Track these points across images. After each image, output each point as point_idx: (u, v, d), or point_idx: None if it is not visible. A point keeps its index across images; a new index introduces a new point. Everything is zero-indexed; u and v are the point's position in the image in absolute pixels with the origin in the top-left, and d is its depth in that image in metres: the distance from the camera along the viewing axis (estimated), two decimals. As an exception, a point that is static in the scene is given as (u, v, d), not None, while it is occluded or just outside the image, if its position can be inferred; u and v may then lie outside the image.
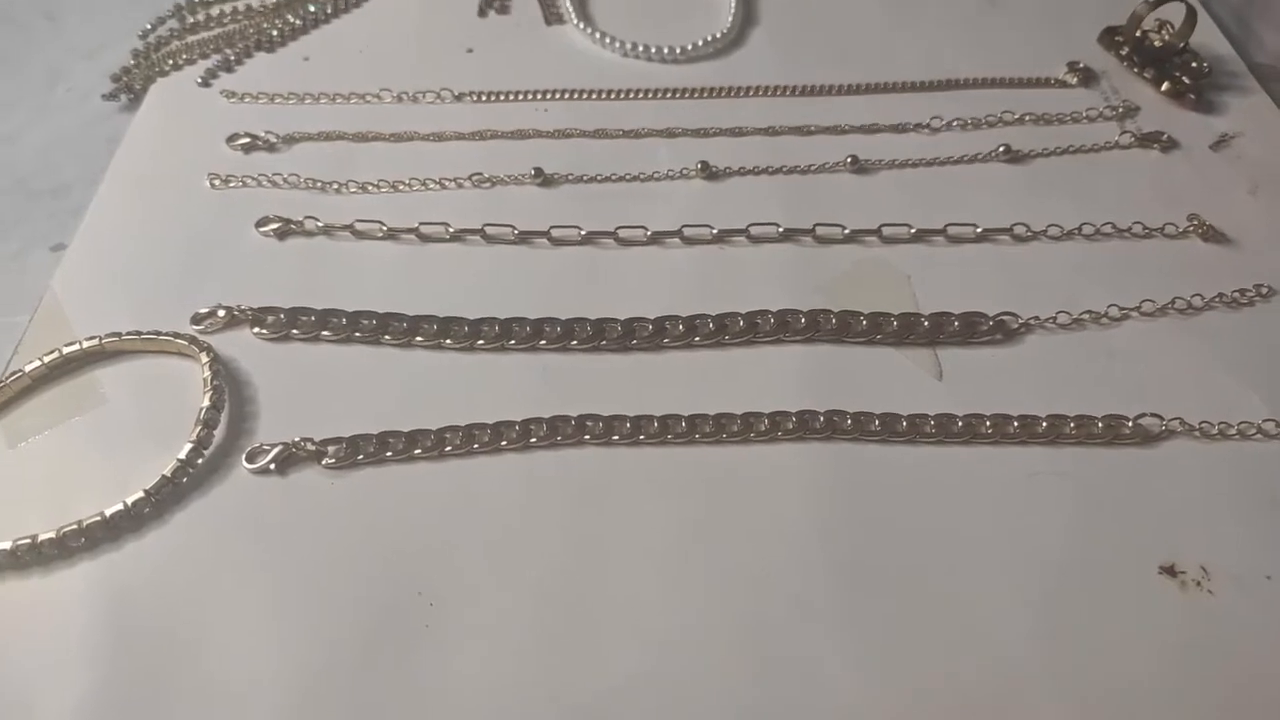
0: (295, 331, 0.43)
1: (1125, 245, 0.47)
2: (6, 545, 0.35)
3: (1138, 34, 0.55)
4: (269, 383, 0.42)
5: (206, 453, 0.39)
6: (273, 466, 0.38)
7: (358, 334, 0.43)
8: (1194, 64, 0.55)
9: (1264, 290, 0.45)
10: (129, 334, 0.42)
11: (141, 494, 0.37)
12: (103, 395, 0.41)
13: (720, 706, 0.33)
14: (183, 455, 0.38)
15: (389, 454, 0.39)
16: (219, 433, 0.39)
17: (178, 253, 0.46)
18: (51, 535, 0.36)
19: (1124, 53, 0.56)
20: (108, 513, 0.36)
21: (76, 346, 0.42)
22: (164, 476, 0.37)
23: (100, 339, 0.42)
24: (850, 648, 0.34)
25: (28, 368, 0.41)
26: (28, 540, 0.36)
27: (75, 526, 0.36)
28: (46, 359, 0.41)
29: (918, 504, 0.38)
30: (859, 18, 0.60)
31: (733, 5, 0.59)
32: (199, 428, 0.39)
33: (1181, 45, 0.55)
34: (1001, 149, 0.50)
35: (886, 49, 0.57)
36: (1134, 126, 0.52)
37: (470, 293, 0.45)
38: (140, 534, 0.37)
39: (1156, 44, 0.55)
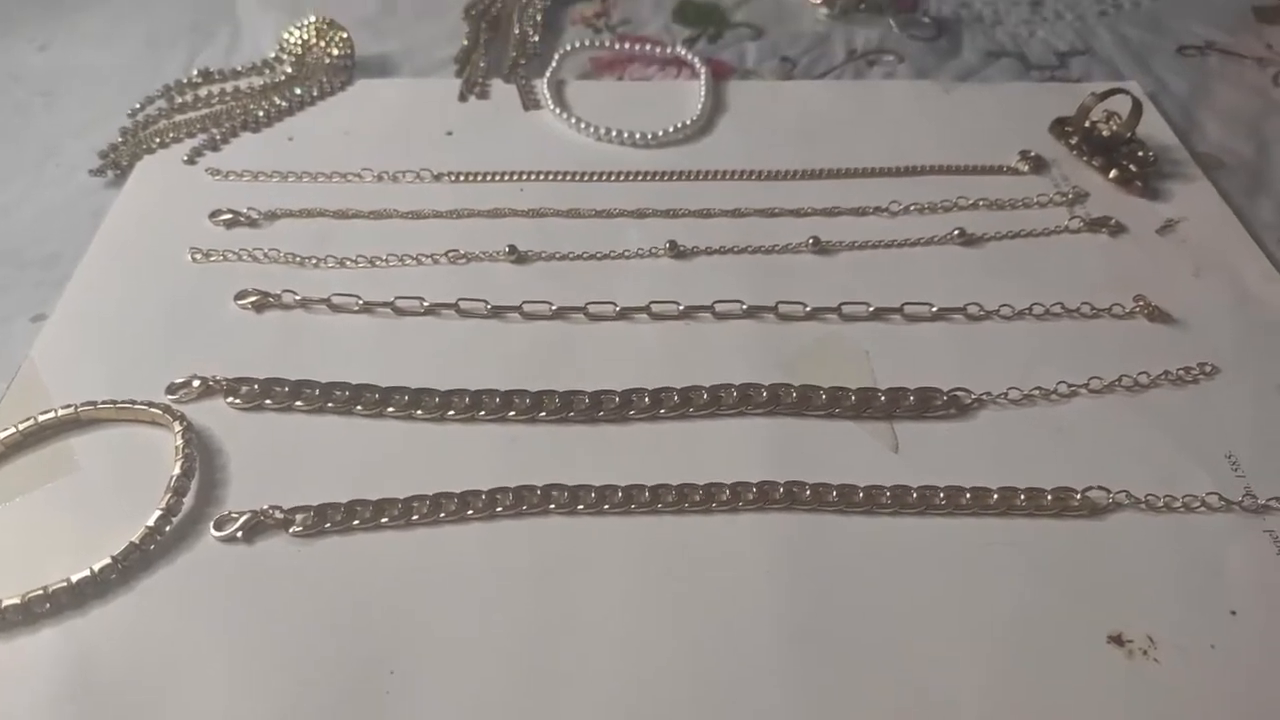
0: (268, 402, 0.44)
1: (1074, 325, 0.49)
2: None
3: (1086, 124, 0.58)
4: (241, 452, 0.42)
5: (175, 520, 0.39)
6: (240, 534, 0.39)
7: (330, 404, 0.44)
8: (1140, 153, 0.57)
9: (1208, 368, 0.46)
10: (104, 403, 0.43)
11: (109, 560, 0.37)
12: (76, 463, 0.42)
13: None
14: (151, 522, 0.38)
15: (356, 523, 0.40)
16: (189, 500, 0.40)
17: (156, 324, 0.47)
18: (16, 601, 0.36)
19: (1073, 142, 0.59)
20: (74, 579, 0.37)
21: (52, 414, 0.42)
22: (132, 543, 0.38)
23: (75, 407, 0.43)
24: (802, 709, 0.35)
25: (2, 434, 0.42)
26: (-9, 605, 0.36)
27: (41, 592, 0.36)
28: (21, 426, 0.42)
29: (874, 573, 0.39)
30: (823, 108, 0.62)
31: (702, 94, 0.62)
32: (169, 495, 0.39)
33: (1128, 135, 0.57)
34: (956, 232, 0.53)
35: (848, 137, 0.60)
36: (1083, 212, 0.55)
37: (443, 365, 0.46)
38: (105, 600, 0.37)
39: (1105, 134, 0.58)
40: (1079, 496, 0.41)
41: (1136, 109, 0.56)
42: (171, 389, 0.44)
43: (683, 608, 0.38)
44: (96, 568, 0.37)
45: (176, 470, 0.40)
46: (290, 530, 0.39)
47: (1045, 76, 0.67)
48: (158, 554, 0.38)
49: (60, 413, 0.43)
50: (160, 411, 0.42)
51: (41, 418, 0.42)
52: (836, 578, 0.39)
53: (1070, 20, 0.72)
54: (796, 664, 0.36)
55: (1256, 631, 0.37)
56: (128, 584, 0.38)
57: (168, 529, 0.39)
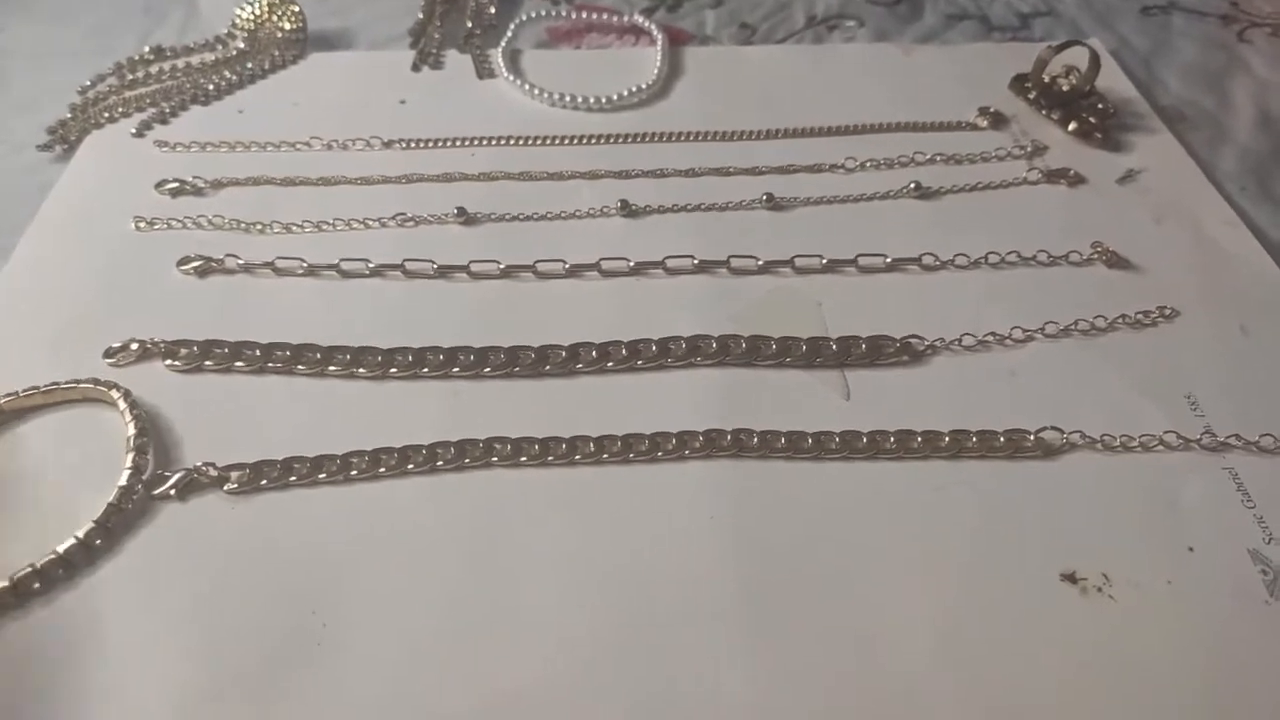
0: (208, 363, 0.43)
1: (1031, 273, 0.48)
2: None
3: (1046, 79, 0.57)
4: (182, 415, 0.41)
5: (144, 477, 0.38)
6: (173, 492, 0.38)
7: (271, 365, 0.43)
8: (1100, 105, 0.57)
9: (1167, 311, 0.46)
10: (26, 390, 0.41)
11: (92, 525, 0.36)
12: (6, 460, 0.40)
13: (618, 711, 0.33)
14: (124, 481, 0.38)
15: (293, 479, 0.39)
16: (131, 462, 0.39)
17: (98, 293, 0.47)
18: (6, 584, 0.35)
19: (1032, 97, 0.58)
20: (61, 549, 0.36)
21: None
22: (110, 504, 0.37)
23: None
24: (756, 657, 0.34)
25: None
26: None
27: (29, 570, 0.35)
28: None
29: (824, 518, 0.38)
30: (781, 71, 0.62)
31: (659, 59, 0.61)
32: (132, 453, 0.38)
33: (1088, 89, 0.57)
34: (912, 185, 0.52)
35: (806, 100, 0.59)
36: (1042, 164, 0.54)
37: (389, 327, 0.45)
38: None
39: (1064, 88, 0.57)
40: (1032, 437, 0.40)
41: (1094, 61, 0.56)
42: (109, 353, 0.43)
43: (628, 556, 0.37)
44: (81, 534, 0.36)
45: (131, 429, 0.39)
46: (225, 488, 0.38)
47: (1007, 38, 0.66)
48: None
49: None
50: (91, 385, 0.41)
51: None
52: (786, 524, 0.38)
53: (1033, -18, 0.71)
54: (745, 610, 0.35)
55: (1214, 567, 0.36)
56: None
57: (139, 487, 0.38)
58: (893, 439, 0.40)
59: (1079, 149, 0.55)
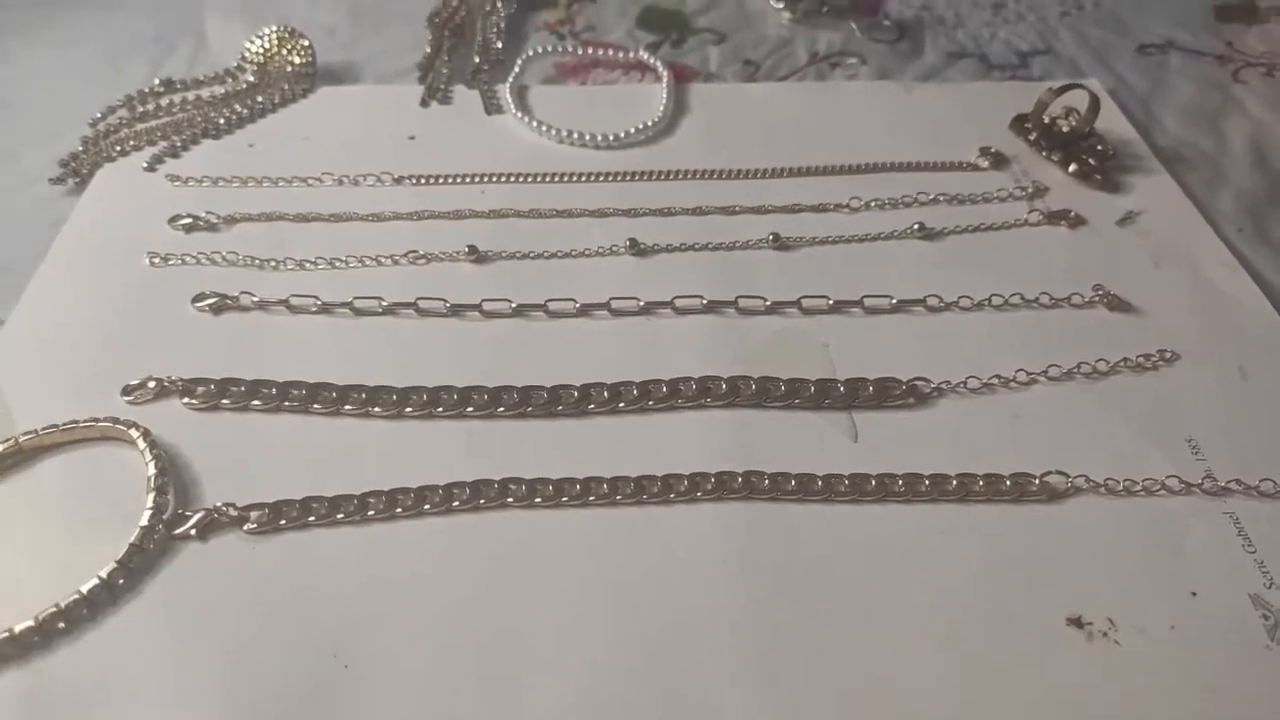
0: (225, 401, 0.43)
1: (1033, 315, 0.49)
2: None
3: (1046, 120, 0.59)
4: (199, 453, 0.42)
5: (165, 516, 0.39)
6: (194, 532, 0.38)
7: (287, 403, 0.43)
8: (1100, 147, 0.58)
9: (1168, 355, 0.47)
10: (45, 429, 0.41)
11: (115, 565, 0.37)
12: (25, 499, 0.40)
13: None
14: (145, 521, 0.38)
15: (311, 519, 0.39)
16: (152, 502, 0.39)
17: (114, 328, 0.47)
18: (31, 624, 0.35)
19: (1033, 138, 0.59)
20: (84, 589, 0.36)
21: None
22: (132, 544, 0.37)
23: (17, 439, 0.41)
24: (761, 696, 0.34)
25: None
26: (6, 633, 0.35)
27: (55, 609, 0.36)
28: None
29: (832, 560, 0.39)
30: (785, 108, 0.63)
31: (664, 96, 0.62)
32: (153, 493, 0.39)
33: (1087, 130, 0.58)
34: (916, 226, 0.53)
35: (809, 137, 0.60)
36: (1043, 205, 0.55)
37: (402, 365, 0.45)
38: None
39: (1064, 129, 0.58)
40: (1038, 481, 0.41)
41: (1094, 104, 0.57)
42: (127, 390, 0.44)
43: (640, 598, 0.37)
44: (104, 573, 0.36)
45: (152, 469, 0.39)
46: (245, 528, 0.39)
47: (1006, 76, 0.67)
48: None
49: (0, 447, 0.41)
50: (110, 424, 0.42)
51: None
52: (795, 565, 0.38)
53: (1032, 21, 0.72)
54: (755, 651, 0.36)
55: (1217, 612, 0.37)
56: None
57: (160, 526, 0.38)
58: (901, 482, 0.41)
59: (1079, 190, 0.56)
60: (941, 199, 0.55)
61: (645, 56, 0.66)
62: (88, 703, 0.34)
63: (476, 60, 0.66)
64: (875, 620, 0.37)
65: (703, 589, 0.38)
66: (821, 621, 0.37)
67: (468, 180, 0.56)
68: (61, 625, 0.36)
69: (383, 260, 0.51)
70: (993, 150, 0.59)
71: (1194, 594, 0.38)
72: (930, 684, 0.35)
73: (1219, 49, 0.70)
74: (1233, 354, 0.47)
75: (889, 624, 0.37)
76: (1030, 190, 0.56)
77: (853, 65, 0.68)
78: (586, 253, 0.52)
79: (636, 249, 0.52)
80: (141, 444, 0.40)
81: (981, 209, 0.55)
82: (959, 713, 0.34)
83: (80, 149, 0.58)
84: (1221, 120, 0.63)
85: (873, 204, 0.55)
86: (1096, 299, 0.49)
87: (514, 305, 0.48)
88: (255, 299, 0.48)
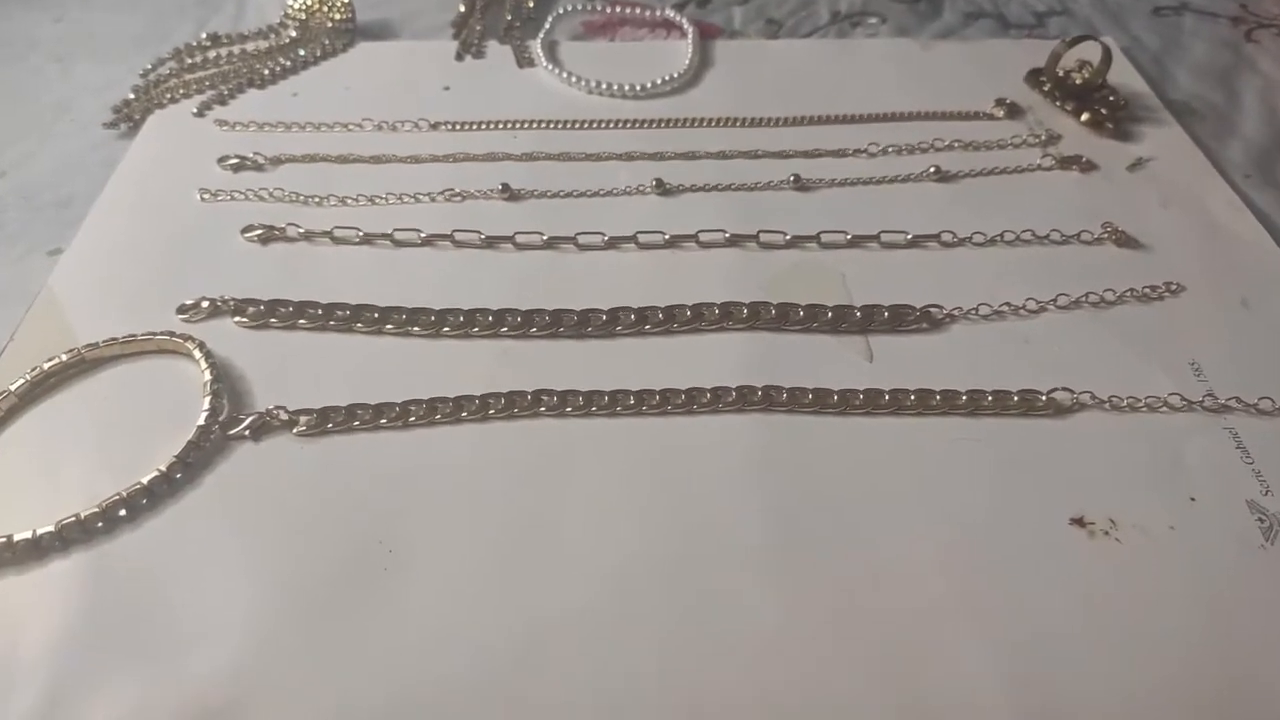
0: (274, 320, 0.46)
1: (1044, 250, 0.51)
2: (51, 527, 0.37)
3: (1060, 73, 0.60)
4: (249, 366, 0.44)
5: (221, 418, 0.41)
6: (248, 433, 0.41)
7: (332, 323, 0.46)
8: (1112, 98, 0.60)
9: (1173, 286, 0.48)
10: (106, 341, 0.44)
11: (174, 458, 0.39)
12: (88, 404, 0.43)
13: (652, 633, 0.35)
14: (202, 421, 0.41)
15: (356, 423, 0.42)
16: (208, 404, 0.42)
17: (167, 256, 0.50)
18: (96, 509, 0.38)
19: (1047, 89, 0.61)
20: (145, 480, 0.39)
21: (57, 360, 0.43)
22: (190, 442, 0.40)
23: (80, 350, 0.43)
24: (778, 587, 0.37)
25: (13, 386, 0.42)
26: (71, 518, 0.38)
27: (117, 498, 0.38)
28: (29, 375, 0.42)
29: (847, 467, 0.41)
30: (806, 63, 0.65)
31: (690, 51, 0.64)
32: (209, 396, 0.41)
33: (1100, 82, 0.60)
34: (932, 169, 0.55)
35: (830, 90, 0.62)
36: (1055, 151, 0.57)
37: (440, 291, 0.48)
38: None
39: (1077, 81, 0.60)
40: (1044, 397, 0.43)
41: (1106, 56, 0.59)
42: (182, 309, 0.46)
43: (662, 496, 0.39)
44: (164, 466, 0.39)
45: (208, 375, 0.42)
46: (294, 430, 0.41)
47: (1023, 35, 0.69)
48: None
49: (65, 357, 0.43)
50: (167, 337, 0.44)
51: (47, 365, 0.43)
52: (811, 473, 0.40)
53: (1048, -17, 0.74)
54: (772, 551, 0.38)
55: (1214, 515, 0.39)
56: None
57: (216, 427, 0.41)
58: (913, 396, 0.43)
59: (1091, 138, 0.58)
60: (957, 145, 0.57)
61: (671, 14, 0.68)
62: (150, 578, 0.37)
63: (509, 18, 0.68)
64: (886, 521, 0.39)
65: (723, 492, 0.40)
66: (835, 522, 0.39)
67: (501, 126, 0.59)
68: (123, 513, 0.38)
69: (420, 198, 0.53)
70: (1008, 101, 0.60)
71: (1192, 499, 0.40)
72: (937, 578, 0.37)
73: (1233, 10, 0.71)
74: (1236, 286, 0.48)
75: (899, 524, 0.39)
76: (1044, 138, 0.58)
77: (873, 24, 0.70)
78: (614, 192, 0.54)
79: (662, 189, 0.54)
80: (197, 354, 0.43)
81: (996, 154, 0.57)
82: (966, 604, 0.36)
83: (132, 97, 0.61)
84: (1233, 77, 0.65)
85: (890, 149, 0.57)
86: (1105, 235, 0.51)
87: (545, 238, 0.50)
88: (301, 230, 0.51)
